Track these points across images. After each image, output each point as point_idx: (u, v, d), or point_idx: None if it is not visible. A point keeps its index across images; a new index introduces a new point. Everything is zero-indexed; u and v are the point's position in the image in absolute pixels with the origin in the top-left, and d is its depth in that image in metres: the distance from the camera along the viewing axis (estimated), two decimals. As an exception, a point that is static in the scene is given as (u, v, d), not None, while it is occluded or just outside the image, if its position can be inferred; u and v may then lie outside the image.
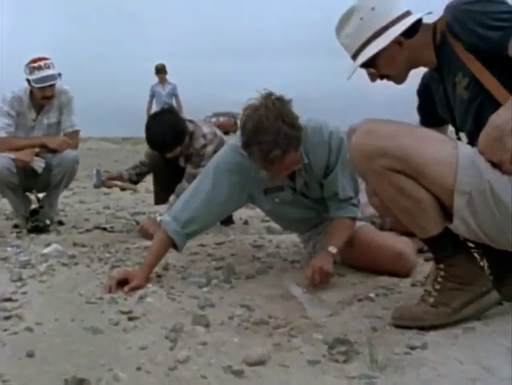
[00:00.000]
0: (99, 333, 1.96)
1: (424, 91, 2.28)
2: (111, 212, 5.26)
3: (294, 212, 2.88)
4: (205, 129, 3.99)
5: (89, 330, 1.97)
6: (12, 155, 4.24)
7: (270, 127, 2.31)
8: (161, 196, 4.24)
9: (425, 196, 1.87)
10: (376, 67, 2.10)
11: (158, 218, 3.65)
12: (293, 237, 3.50)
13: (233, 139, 2.78)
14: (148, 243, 3.32)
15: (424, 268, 2.82)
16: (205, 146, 3.88)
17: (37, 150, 4.38)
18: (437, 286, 1.93)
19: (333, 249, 2.56)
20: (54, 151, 4.40)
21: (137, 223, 4.37)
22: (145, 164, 4.28)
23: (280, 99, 2.39)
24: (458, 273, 1.92)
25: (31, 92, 4.44)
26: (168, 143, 3.84)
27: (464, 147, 1.86)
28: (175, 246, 2.73)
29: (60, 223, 4.53)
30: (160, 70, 11.36)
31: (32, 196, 4.64)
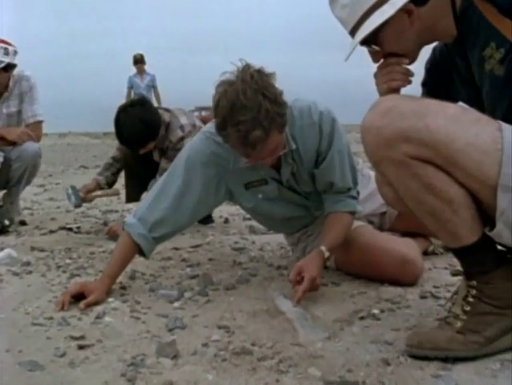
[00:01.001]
0: (37, 369, 1.54)
1: (435, 66, 1.87)
2: (81, 211, 4.80)
3: (281, 210, 2.47)
4: (183, 120, 3.57)
5: (25, 366, 1.56)
6: (-35, 148, 3.82)
7: (249, 104, 1.91)
8: (133, 193, 3.81)
9: (459, 194, 1.46)
10: (381, 44, 1.66)
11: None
12: (279, 238, 3.11)
13: (207, 126, 2.38)
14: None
15: (431, 274, 2.46)
16: (182, 139, 3.46)
17: (-6, 142, 3.94)
18: (467, 308, 1.53)
19: (325, 251, 2.17)
20: (13, 144, 3.97)
21: (105, 224, 3.95)
22: (118, 160, 3.83)
23: (260, 72, 1.99)
24: (495, 293, 1.52)
25: (-13, 80, 4.00)
26: (140, 139, 3.42)
27: (509, 129, 1.45)
28: (141, 252, 2.32)
29: (22, 223, 4.09)
30: (139, 61, 10.96)
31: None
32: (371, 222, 2.78)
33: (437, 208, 1.48)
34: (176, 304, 2.11)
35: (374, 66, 1.76)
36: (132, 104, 3.52)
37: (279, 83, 2.04)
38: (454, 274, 1.76)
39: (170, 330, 1.84)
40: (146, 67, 11.10)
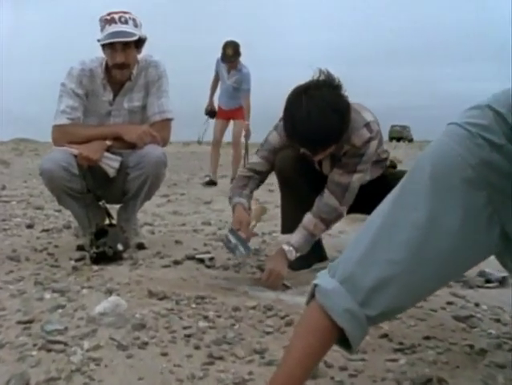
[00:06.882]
0: None
1: None
2: (211, 231, 3.82)
3: None
4: (368, 116, 2.40)
5: None
6: (75, 150, 2.90)
7: None
8: (292, 221, 2.63)
9: None
10: None
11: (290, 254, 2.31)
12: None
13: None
14: (271, 297, 1.86)
15: None
16: (369, 141, 2.35)
17: (109, 143, 2.98)
18: None
19: None
20: (132, 147, 3.03)
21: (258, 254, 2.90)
22: (258, 172, 2.69)
23: None
24: None
25: (108, 65, 3.05)
26: (330, 135, 2.24)
27: None
28: (343, 341, 1.24)
29: (140, 247, 3.14)
30: (228, 56, 7.26)
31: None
32: None
33: None
34: None
35: None
36: (317, 85, 2.28)
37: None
38: None
39: None
40: (240, 59, 7.43)
